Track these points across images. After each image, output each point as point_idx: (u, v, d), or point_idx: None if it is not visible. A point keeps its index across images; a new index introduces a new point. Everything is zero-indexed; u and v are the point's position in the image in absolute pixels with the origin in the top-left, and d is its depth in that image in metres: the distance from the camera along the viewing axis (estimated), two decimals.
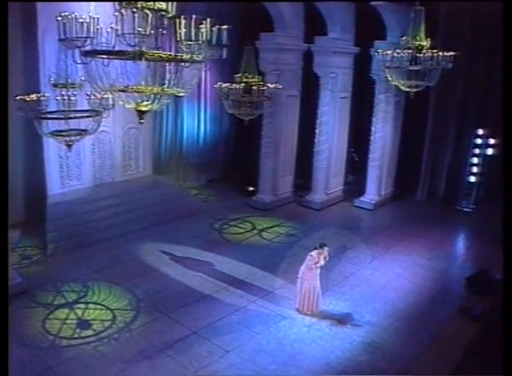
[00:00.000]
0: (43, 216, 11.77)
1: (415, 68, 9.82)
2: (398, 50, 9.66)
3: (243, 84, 12.09)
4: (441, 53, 9.58)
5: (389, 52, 9.73)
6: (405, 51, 9.66)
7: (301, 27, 14.06)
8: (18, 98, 8.41)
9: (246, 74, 12.20)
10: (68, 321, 8.58)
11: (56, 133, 9.03)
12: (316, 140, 14.69)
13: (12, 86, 7.27)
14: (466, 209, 14.86)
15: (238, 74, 12.22)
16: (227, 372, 7.40)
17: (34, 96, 8.37)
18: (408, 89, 10.47)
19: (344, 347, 8.22)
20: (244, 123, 13.11)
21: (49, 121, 8.92)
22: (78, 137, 9.43)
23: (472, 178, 14.74)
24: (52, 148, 12.22)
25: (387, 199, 15.46)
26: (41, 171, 12.36)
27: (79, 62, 5.76)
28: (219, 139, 17.28)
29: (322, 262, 9.01)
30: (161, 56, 4.98)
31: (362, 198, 15.14)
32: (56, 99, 8.67)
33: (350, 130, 15.52)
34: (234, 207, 14.92)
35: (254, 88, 12.09)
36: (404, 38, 9.66)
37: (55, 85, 8.85)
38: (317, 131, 14.62)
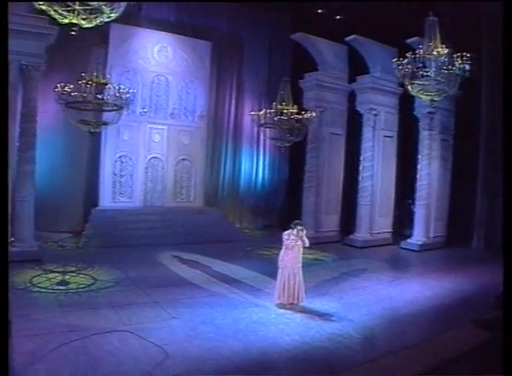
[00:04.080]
0: (86, 217, 12.06)
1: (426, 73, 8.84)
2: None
3: (272, 110, 12.00)
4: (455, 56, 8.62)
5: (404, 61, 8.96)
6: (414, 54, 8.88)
7: (344, 69, 13.65)
8: (56, 90, 9.21)
9: (282, 103, 12.12)
10: (52, 279, 8.27)
11: (82, 121, 9.55)
12: (360, 177, 13.36)
13: None
14: None
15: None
16: (159, 331, 6.15)
17: (67, 88, 9.08)
18: (429, 98, 9.34)
19: (307, 334, 6.44)
20: (281, 150, 12.71)
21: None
22: (101, 127, 9.89)
23: None
24: (107, 164, 12.84)
25: (437, 243, 13.02)
26: (97, 187, 12.92)
27: None
28: (277, 186, 16.62)
29: (306, 242, 7.61)
30: None
31: (408, 240, 12.99)
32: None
33: (400, 173, 13.91)
34: (275, 239, 13.72)
35: (284, 112, 11.88)
36: (420, 47, 8.88)
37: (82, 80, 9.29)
38: (360, 167, 13.36)
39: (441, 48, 8.74)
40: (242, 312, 7.15)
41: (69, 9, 5.70)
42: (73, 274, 8.70)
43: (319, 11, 13.57)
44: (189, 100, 14.11)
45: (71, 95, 8.76)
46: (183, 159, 14.23)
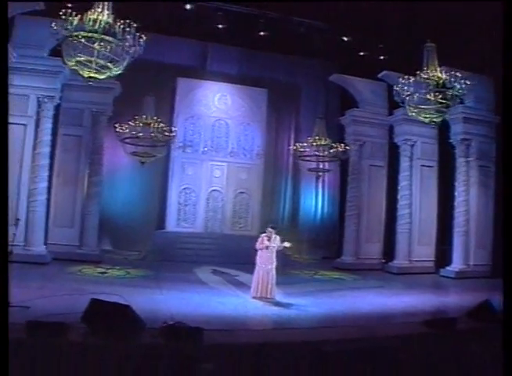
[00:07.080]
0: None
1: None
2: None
3: (305, 144, 13.88)
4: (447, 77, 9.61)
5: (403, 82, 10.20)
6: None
7: (382, 105, 14.79)
8: (118, 131, 12.45)
9: (316, 137, 13.97)
10: (96, 270, 10.91)
11: (134, 153, 12.58)
12: (398, 205, 14.05)
13: None
14: None
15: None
16: (140, 298, 7.92)
17: (123, 127, 12.28)
18: (428, 119, 10.27)
19: (253, 312, 8.04)
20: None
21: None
22: (150, 158, 12.74)
23: None
24: (173, 195, 15.69)
25: (478, 271, 12.71)
26: (164, 214, 15.79)
27: None
28: (337, 220, 17.74)
29: (278, 245, 9.12)
30: None
31: (447, 267, 13.04)
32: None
33: (443, 203, 14.16)
34: (318, 265, 14.87)
35: (314, 144, 13.63)
36: (418, 72, 10.04)
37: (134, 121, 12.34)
38: (398, 196, 14.08)
39: (438, 72, 9.84)
40: (220, 298, 8.77)
41: (89, 66, 8.62)
42: (116, 270, 11.30)
43: (361, 54, 15.15)
44: (247, 141, 16.54)
45: (125, 133, 11.91)
46: (241, 192, 16.44)
